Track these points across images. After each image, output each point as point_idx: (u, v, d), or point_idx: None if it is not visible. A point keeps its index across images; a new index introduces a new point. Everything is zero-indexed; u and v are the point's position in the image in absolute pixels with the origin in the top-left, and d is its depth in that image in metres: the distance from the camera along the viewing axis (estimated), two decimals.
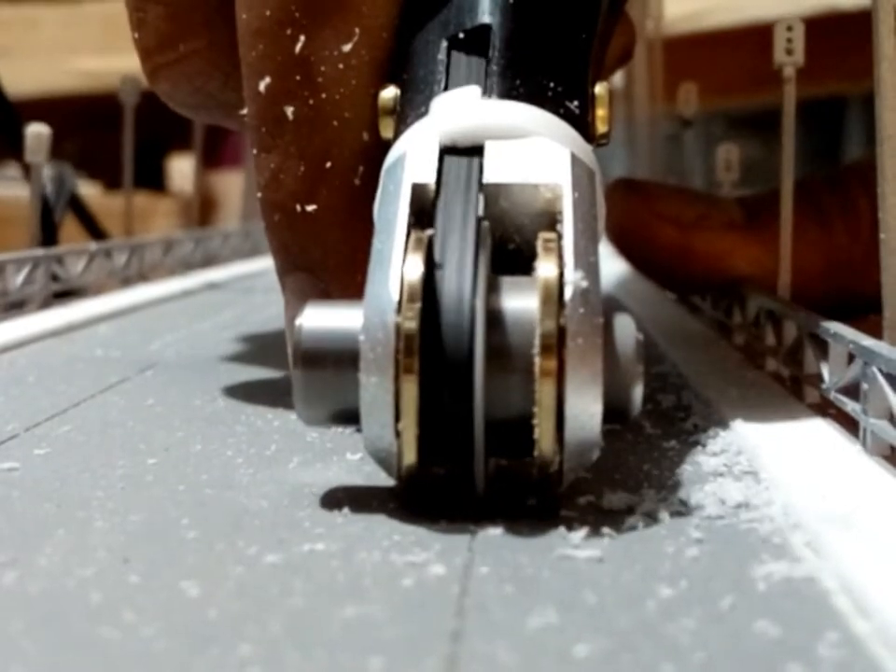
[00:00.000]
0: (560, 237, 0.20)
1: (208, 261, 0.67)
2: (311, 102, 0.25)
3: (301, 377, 0.19)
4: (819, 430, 0.25)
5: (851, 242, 0.38)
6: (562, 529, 0.18)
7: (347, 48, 0.24)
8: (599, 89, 0.24)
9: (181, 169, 1.46)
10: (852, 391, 0.25)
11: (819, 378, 0.27)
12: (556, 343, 0.18)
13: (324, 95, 0.25)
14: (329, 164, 0.25)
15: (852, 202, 0.39)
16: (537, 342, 0.18)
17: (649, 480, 0.22)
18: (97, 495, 0.21)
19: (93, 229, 0.65)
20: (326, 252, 0.26)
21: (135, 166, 0.58)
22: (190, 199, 0.92)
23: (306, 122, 0.25)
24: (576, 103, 0.23)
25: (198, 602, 0.16)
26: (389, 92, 0.24)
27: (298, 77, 0.25)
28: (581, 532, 0.18)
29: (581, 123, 0.23)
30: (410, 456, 0.19)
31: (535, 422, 0.18)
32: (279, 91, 0.25)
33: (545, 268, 0.19)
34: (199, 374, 0.33)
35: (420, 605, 0.16)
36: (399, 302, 0.18)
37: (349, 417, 0.19)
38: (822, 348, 0.27)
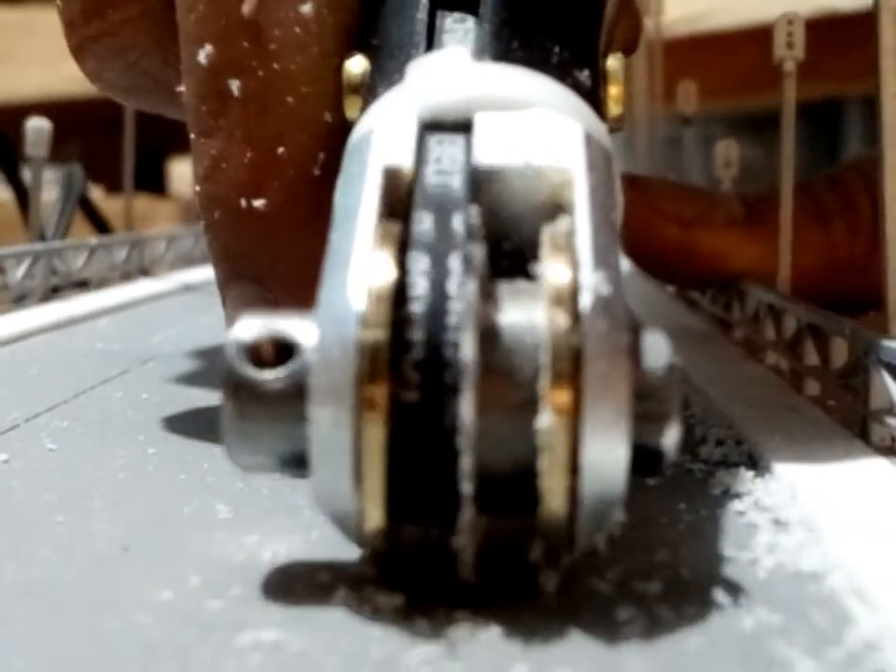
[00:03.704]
0: (572, 232, 0.15)
1: (209, 257, 0.66)
2: (260, 74, 0.21)
3: (233, 411, 0.15)
4: (821, 424, 0.25)
5: (851, 239, 0.39)
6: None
7: (306, 8, 0.20)
8: (612, 62, 0.20)
9: (182, 172, 1.47)
10: (852, 383, 0.25)
11: (819, 370, 0.27)
12: (570, 369, 0.14)
13: (277, 66, 0.21)
14: (281, 150, 0.21)
15: (852, 199, 0.39)
16: (544, 366, 0.14)
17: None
18: (97, 484, 0.21)
19: (104, 230, 0.65)
20: (275, 257, 0.22)
21: (136, 169, 0.58)
22: (191, 202, 0.92)
23: (255, 99, 0.21)
24: (585, 73, 0.19)
25: (199, 591, 0.16)
26: (357, 64, 0.20)
27: (245, 44, 0.21)
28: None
29: (593, 98, 0.19)
30: (375, 516, 0.14)
31: (541, 470, 0.14)
32: (222, 62, 0.21)
33: (554, 270, 0.15)
34: (199, 367, 0.33)
35: None
36: (364, 313, 0.14)
37: (297, 463, 0.15)
38: (822, 341, 0.27)
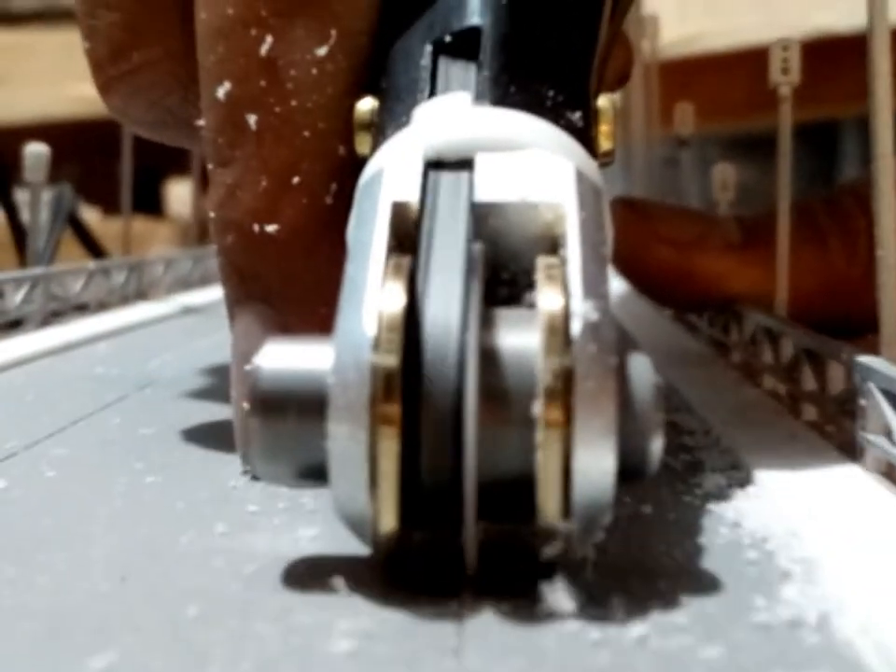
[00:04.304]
0: (564, 263, 0.17)
1: (207, 280, 0.67)
2: (277, 110, 0.22)
3: (260, 426, 0.16)
4: (817, 448, 0.25)
5: (848, 262, 0.39)
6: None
7: (322, 51, 0.22)
8: (603, 101, 0.21)
9: (179, 194, 1.47)
10: (849, 408, 0.25)
11: (817, 395, 0.27)
12: (563, 388, 0.15)
13: (294, 103, 0.22)
14: (296, 180, 0.22)
15: (849, 222, 0.39)
16: (539, 385, 0.16)
17: (653, 501, 0.21)
18: (95, 512, 0.21)
19: (94, 248, 0.66)
20: (286, 280, 0.23)
21: (133, 191, 0.58)
22: (188, 224, 0.92)
23: (271, 132, 0.22)
24: (578, 114, 0.21)
25: (196, 621, 0.16)
26: (366, 104, 0.22)
27: (263, 83, 0.22)
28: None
29: (584, 137, 0.20)
30: (388, 521, 0.16)
31: (537, 480, 0.16)
32: (241, 98, 0.22)
33: (548, 298, 0.16)
34: (197, 392, 0.33)
35: None
36: (377, 338, 0.16)
37: (317, 474, 0.16)
38: (819, 366, 0.27)
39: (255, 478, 0.22)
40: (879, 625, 0.15)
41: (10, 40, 1.47)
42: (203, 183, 0.72)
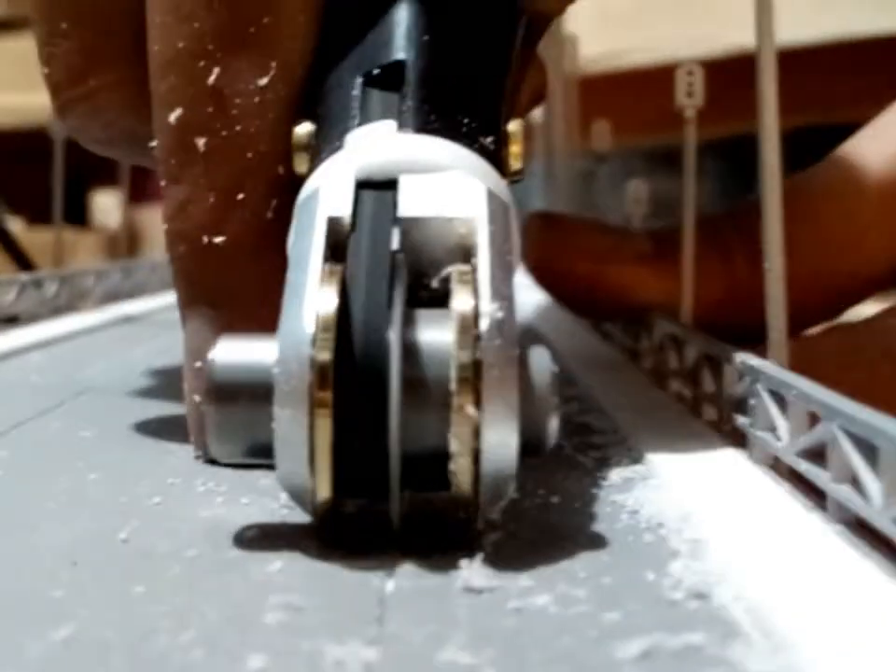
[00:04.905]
0: (475, 270, 0.20)
1: (136, 292, 0.68)
2: (224, 133, 0.24)
3: (215, 412, 0.19)
4: (713, 444, 0.27)
5: (751, 274, 0.41)
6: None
7: (263, 81, 0.24)
8: (513, 126, 0.24)
9: (104, 204, 1.46)
10: (743, 407, 0.27)
11: (715, 397, 0.29)
12: (473, 376, 0.18)
13: (238, 128, 0.24)
14: (240, 196, 0.25)
15: (753, 235, 0.41)
16: (453, 374, 0.18)
17: (562, 492, 0.23)
18: (42, 506, 0.22)
19: (21, 260, 0.66)
20: (232, 286, 0.25)
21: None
22: (114, 234, 0.92)
23: (218, 153, 0.25)
24: (490, 139, 0.23)
25: (144, 598, 0.17)
26: (304, 128, 0.24)
27: (210, 109, 0.24)
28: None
29: (496, 159, 0.23)
30: (324, 491, 0.18)
31: (452, 455, 0.18)
32: (190, 123, 0.25)
33: (460, 300, 0.19)
34: (132, 399, 0.34)
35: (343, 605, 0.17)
36: (314, 336, 0.18)
37: (264, 452, 0.19)
38: (718, 370, 0.29)
39: (210, 461, 0.25)
40: (751, 593, 0.17)
41: None
42: (132, 194, 0.73)
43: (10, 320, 0.50)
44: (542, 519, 0.21)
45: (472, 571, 0.18)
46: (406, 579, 0.18)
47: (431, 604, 0.17)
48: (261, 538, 0.20)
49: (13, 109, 1.36)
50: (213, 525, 0.21)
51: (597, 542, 0.20)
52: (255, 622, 0.16)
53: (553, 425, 0.19)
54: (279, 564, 0.19)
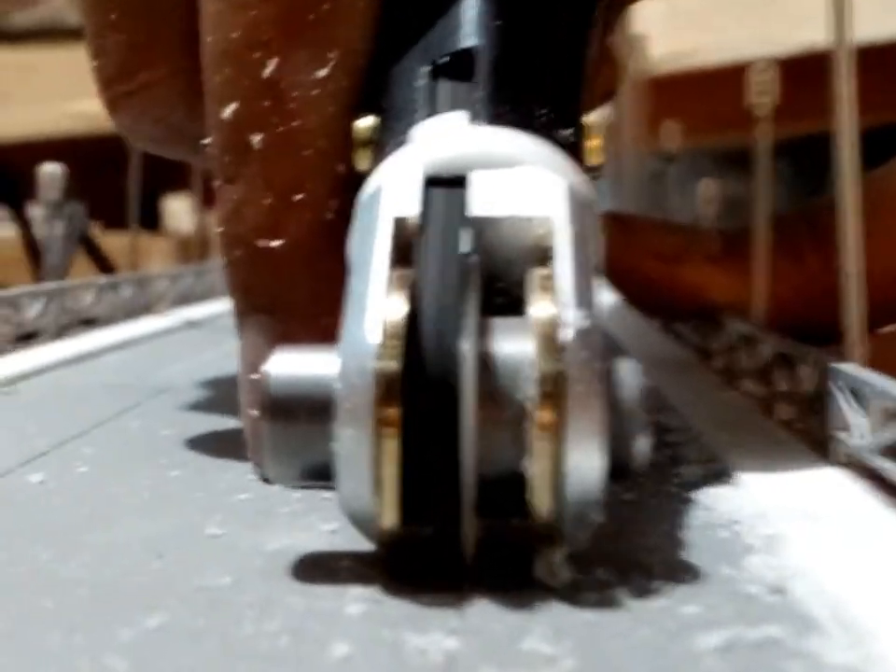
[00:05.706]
0: (555, 275, 0.18)
1: (208, 295, 0.69)
2: (280, 129, 0.23)
3: (270, 430, 0.18)
4: (787, 442, 0.27)
5: (823, 272, 0.40)
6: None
7: (323, 73, 0.23)
8: (592, 117, 0.22)
9: (176, 209, 1.48)
10: (817, 406, 0.27)
11: (789, 396, 0.29)
12: (555, 391, 0.16)
13: (296, 123, 0.23)
14: (298, 196, 0.23)
15: (825, 235, 0.41)
16: (533, 389, 0.16)
17: (636, 489, 0.23)
18: (127, 502, 0.23)
19: (104, 264, 0.68)
20: (290, 292, 0.24)
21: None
22: (186, 238, 0.94)
23: (275, 151, 0.23)
24: (569, 130, 0.21)
25: (231, 589, 0.18)
26: (366, 122, 0.22)
27: (267, 103, 0.23)
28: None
29: (575, 152, 0.21)
30: (391, 517, 0.17)
31: (530, 479, 0.16)
32: (246, 118, 0.23)
33: (541, 307, 0.17)
34: (208, 399, 0.35)
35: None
36: (380, 346, 0.17)
37: (323, 474, 0.17)
38: (792, 369, 0.29)
39: (266, 480, 0.23)
40: (829, 588, 0.17)
41: (12, 58, 1.49)
42: (204, 199, 0.74)
43: (88, 322, 0.52)
44: (617, 515, 0.21)
45: (550, 566, 0.18)
46: (482, 594, 0.17)
47: (510, 597, 0.17)
48: (336, 552, 0.19)
49: (90, 116, 1.39)
50: (293, 520, 0.21)
51: (672, 538, 0.20)
52: (337, 612, 0.16)
53: (643, 445, 0.17)
54: (350, 574, 0.18)
